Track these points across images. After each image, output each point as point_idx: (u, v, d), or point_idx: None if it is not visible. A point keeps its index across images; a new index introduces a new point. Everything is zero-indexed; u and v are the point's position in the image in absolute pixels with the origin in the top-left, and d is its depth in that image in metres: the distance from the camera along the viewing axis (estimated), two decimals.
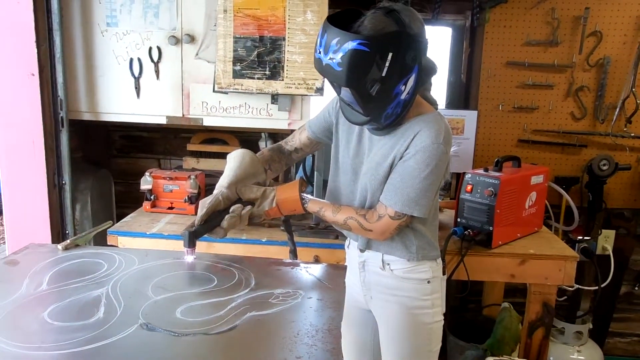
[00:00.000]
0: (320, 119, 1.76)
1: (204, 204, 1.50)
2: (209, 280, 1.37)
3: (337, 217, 1.57)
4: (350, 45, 1.31)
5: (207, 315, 1.18)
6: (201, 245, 1.77)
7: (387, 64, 1.36)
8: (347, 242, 1.83)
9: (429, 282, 1.64)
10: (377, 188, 1.56)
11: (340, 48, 1.32)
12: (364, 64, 1.34)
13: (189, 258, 1.49)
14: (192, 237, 1.46)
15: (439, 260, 1.69)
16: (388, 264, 1.65)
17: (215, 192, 1.54)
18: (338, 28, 1.34)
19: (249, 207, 1.53)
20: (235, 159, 1.60)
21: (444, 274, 1.71)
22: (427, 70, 1.49)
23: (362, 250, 1.70)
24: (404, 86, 1.43)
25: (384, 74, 1.37)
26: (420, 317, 1.65)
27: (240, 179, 1.56)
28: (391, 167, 1.53)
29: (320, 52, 1.37)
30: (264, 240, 2.16)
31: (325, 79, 1.49)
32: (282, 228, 2.24)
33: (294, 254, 1.75)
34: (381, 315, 1.73)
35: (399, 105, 1.46)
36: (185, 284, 1.39)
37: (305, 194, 1.58)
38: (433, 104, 1.63)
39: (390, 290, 1.67)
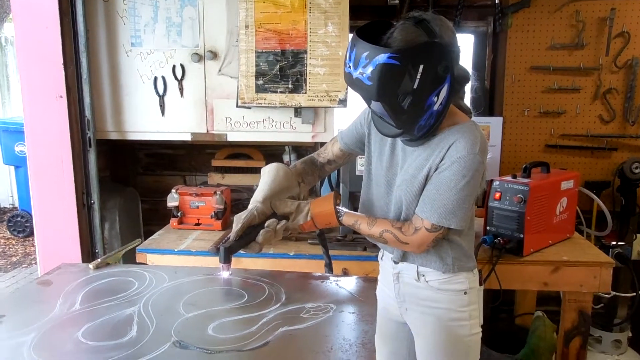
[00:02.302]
0: (352, 130, 1.74)
1: (239, 219, 1.49)
2: (240, 296, 1.37)
3: (372, 230, 1.55)
4: (381, 59, 1.29)
5: (239, 331, 1.17)
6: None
7: (418, 76, 1.33)
8: (380, 254, 1.81)
9: (465, 293, 1.61)
10: (412, 200, 1.53)
11: (370, 62, 1.30)
12: (395, 77, 1.32)
13: (225, 274, 1.49)
14: (228, 253, 1.45)
15: (476, 271, 1.65)
16: (423, 275, 1.62)
17: (250, 206, 1.53)
18: (367, 40, 1.32)
19: (283, 222, 1.51)
20: (269, 173, 1.59)
21: (480, 284, 1.67)
22: (459, 80, 1.46)
23: (396, 262, 1.67)
24: (436, 97, 1.40)
25: (415, 87, 1.34)
26: (458, 330, 1.61)
27: (275, 193, 1.55)
28: (426, 179, 1.50)
29: (349, 67, 1.35)
30: (291, 254, 2.15)
31: (350, 90, 1.48)
32: (309, 241, 2.24)
33: (329, 267, 1.73)
34: (417, 328, 1.69)
35: (432, 117, 1.43)
36: (216, 300, 1.38)
37: (339, 207, 1.56)
38: (467, 112, 1.60)
39: (426, 301, 1.63)
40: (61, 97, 2.29)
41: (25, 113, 2.36)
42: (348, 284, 1.46)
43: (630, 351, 2.81)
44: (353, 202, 2.33)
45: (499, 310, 3.08)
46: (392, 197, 1.60)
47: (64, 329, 1.18)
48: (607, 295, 2.74)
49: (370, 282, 1.48)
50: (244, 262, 2.06)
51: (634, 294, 2.63)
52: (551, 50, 2.81)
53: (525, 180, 2.13)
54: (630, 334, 2.81)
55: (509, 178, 2.17)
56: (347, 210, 1.58)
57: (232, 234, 1.48)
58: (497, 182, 2.18)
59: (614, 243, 2.72)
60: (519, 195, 2.10)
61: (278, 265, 2.12)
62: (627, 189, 2.80)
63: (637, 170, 2.72)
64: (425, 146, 1.52)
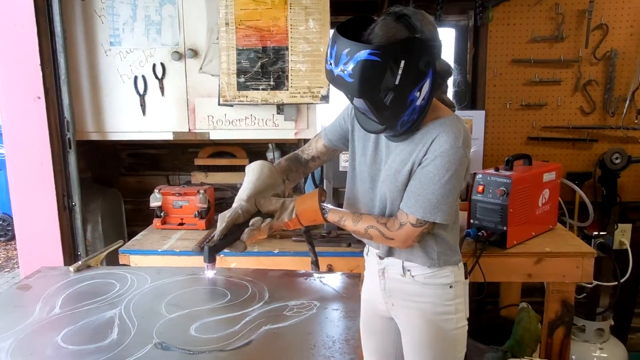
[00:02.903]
0: (336, 126, 1.74)
1: (224, 217, 1.48)
2: (223, 295, 1.36)
3: (357, 226, 1.54)
4: (361, 55, 1.28)
5: (222, 331, 1.16)
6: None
7: (400, 72, 1.33)
8: (365, 250, 1.81)
9: (451, 287, 1.61)
10: (396, 195, 1.53)
11: (351, 59, 1.29)
12: (376, 74, 1.31)
13: (209, 273, 1.48)
14: (212, 252, 1.44)
15: (461, 265, 1.66)
16: (409, 270, 1.62)
17: (234, 205, 1.52)
18: (348, 36, 1.31)
19: (268, 220, 1.51)
20: (253, 171, 1.58)
21: (465, 278, 1.68)
22: (442, 74, 1.46)
23: (381, 258, 1.67)
24: (418, 92, 1.40)
25: (397, 82, 1.34)
26: (444, 324, 1.62)
27: (259, 191, 1.54)
28: (410, 174, 1.50)
29: (331, 64, 1.34)
30: (276, 251, 2.14)
31: (332, 86, 1.47)
32: (294, 239, 2.23)
33: (316, 265, 1.72)
34: (404, 323, 1.70)
35: (414, 112, 1.43)
36: (198, 300, 1.37)
37: (324, 204, 1.55)
38: (450, 106, 1.60)
39: (412, 296, 1.64)
40: (39, 98, 2.25)
41: (2, 115, 2.32)
42: (331, 281, 1.46)
43: (613, 339, 2.85)
44: (337, 198, 2.33)
45: (484, 302, 3.10)
46: (377, 192, 1.60)
47: (43, 333, 1.16)
48: (589, 285, 2.77)
49: (353, 278, 1.48)
50: (228, 260, 2.05)
51: (616, 283, 2.66)
52: (532, 43, 2.83)
53: (508, 173, 2.14)
54: (612, 323, 2.85)
55: (491, 171, 2.18)
56: (332, 206, 1.57)
57: (217, 233, 1.47)
58: (480, 175, 2.19)
59: (596, 233, 2.76)
60: (501, 188, 2.11)
61: (262, 263, 2.11)
62: (608, 180, 2.83)
63: (617, 161, 2.75)
64: (408, 141, 1.52)
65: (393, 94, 1.36)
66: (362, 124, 1.52)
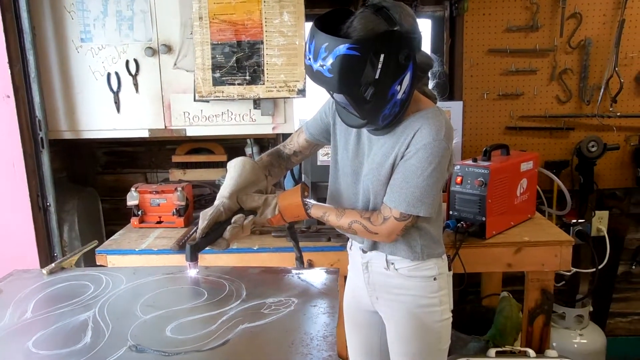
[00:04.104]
0: (317, 120, 1.72)
1: (205, 215, 1.46)
2: (199, 295, 1.34)
3: (341, 221, 1.53)
4: (340, 50, 1.26)
5: (198, 331, 1.15)
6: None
7: (379, 66, 1.31)
8: (349, 244, 1.80)
9: (435, 279, 1.61)
10: (379, 189, 1.52)
11: (330, 54, 1.27)
12: (356, 69, 1.30)
13: (192, 272, 1.45)
14: (194, 251, 1.42)
15: (444, 257, 1.66)
16: (392, 264, 1.61)
17: (216, 202, 1.50)
18: (327, 30, 1.29)
19: (251, 217, 1.49)
20: (235, 168, 1.56)
21: (449, 270, 1.68)
22: (422, 67, 1.45)
23: (365, 251, 1.67)
24: (399, 86, 1.38)
25: (377, 77, 1.32)
26: (429, 316, 1.62)
27: (241, 188, 1.52)
28: (393, 167, 1.49)
29: (310, 59, 1.33)
30: (255, 248, 2.12)
31: (309, 80, 1.45)
32: (273, 234, 2.22)
33: (300, 261, 1.70)
34: (388, 316, 1.69)
35: (395, 105, 1.42)
36: (174, 300, 1.35)
37: (307, 199, 1.54)
38: (432, 98, 1.59)
39: (396, 289, 1.63)
40: (8, 97, 2.19)
41: None
42: (310, 277, 1.45)
43: (592, 325, 2.89)
44: (315, 192, 2.32)
45: (466, 293, 3.12)
46: (360, 186, 1.59)
47: (13, 339, 1.13)
48: (568, 273, 2.81)
49: (332, 273, 1.46)
50: (207, 258, 2.02)
51: (594, 269, 2.69)
52: (507, 32, 2.83)
53: (486, 164, 2.15)
54: (591, 309, 2.89)
55: (469, 162, 2.19)
56: (315, 202, 1.56)
57: (198, 231, 1.45)
58: (458, 167, 2.20)
59: (574, 221, 2.79)
60: (479, 179, 2.11)
61: (242, 260, 2.09)
62: (585, 168, 2.86)
63: (593, 149, 2.78)
64: (390, 134, 1.51)
65: (373, 88, 1.34)
66: (343, 118, 1.51)
